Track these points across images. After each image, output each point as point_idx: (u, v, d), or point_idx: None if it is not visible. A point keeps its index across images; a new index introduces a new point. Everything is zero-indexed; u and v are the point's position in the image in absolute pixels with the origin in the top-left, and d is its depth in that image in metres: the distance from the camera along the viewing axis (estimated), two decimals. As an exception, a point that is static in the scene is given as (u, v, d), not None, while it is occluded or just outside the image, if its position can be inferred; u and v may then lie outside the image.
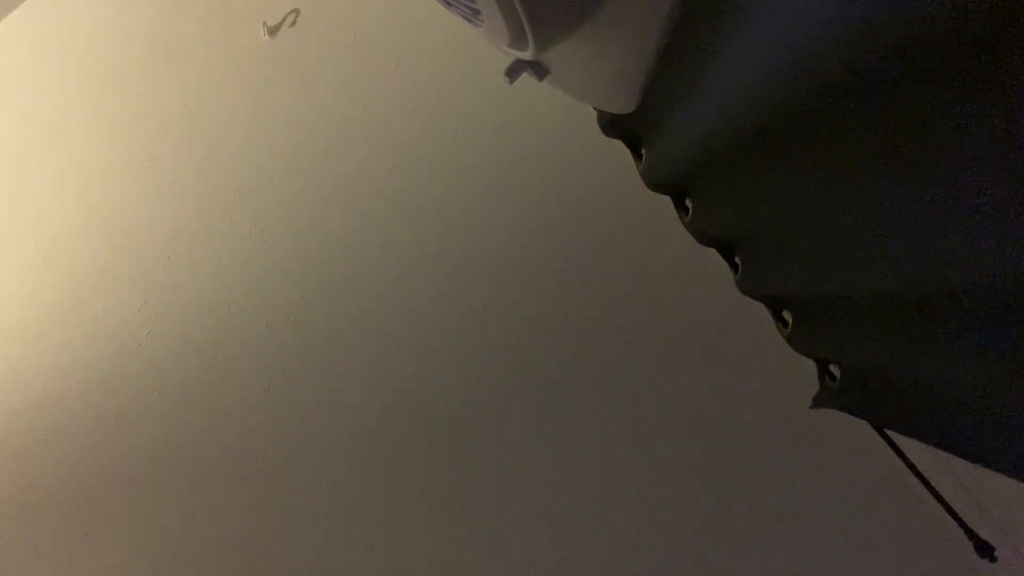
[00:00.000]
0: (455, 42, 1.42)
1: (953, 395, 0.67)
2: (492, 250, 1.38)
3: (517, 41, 0.66)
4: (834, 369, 0.98)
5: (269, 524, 1.32)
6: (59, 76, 1.52)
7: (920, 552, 1.17)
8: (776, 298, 1.03)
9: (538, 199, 1.39)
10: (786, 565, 1.22)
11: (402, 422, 1.34)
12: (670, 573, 1.25)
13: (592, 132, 1.18)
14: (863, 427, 0.98)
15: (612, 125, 1.11)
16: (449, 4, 0.73)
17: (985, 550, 0.97)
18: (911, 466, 1.03)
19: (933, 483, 1.03)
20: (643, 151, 1.10)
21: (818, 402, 1.02)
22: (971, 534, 0.98)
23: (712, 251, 1.10)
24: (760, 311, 1.09)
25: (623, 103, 0.90)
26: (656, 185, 1.10)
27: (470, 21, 0.72)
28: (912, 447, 1.03)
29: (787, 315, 1.02)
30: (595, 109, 1.10)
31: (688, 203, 1.08)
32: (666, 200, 1.13)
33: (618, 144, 1.16)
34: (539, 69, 0.78)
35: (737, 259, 1.05)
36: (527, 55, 0.70)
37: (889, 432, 1.01)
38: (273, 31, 1.48)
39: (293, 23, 1.49)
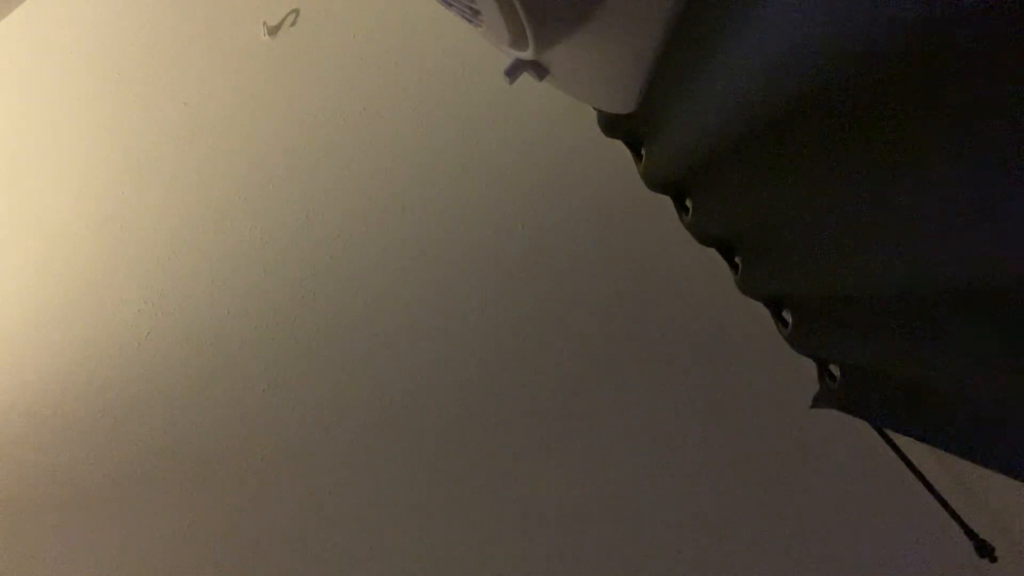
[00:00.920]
0: (455, 42, 1.42)
1: (953, 395, 0.67)
2: (492, 250, 1.38)
3: (517, 41, 0.66)
4: (834, 369, 0.98)
5: (269, 524, 1.33)
6: (59, 76, 1.52)
7: (920, 552, 1.17)
8: (776, 298, 1.03)
9: (538, 199, 1.39)
10: (786, 565, 1.22)
11: (402, 422, 1.35)
12: (670, 573, 1.25)
13: (592, 132, 1.18)
14: (863, 427, 0.98)
15: (612, 125, 1.11)
16: (449, 4, 0.73)
17: (985, 550, 0.97)
18: (911, 466, 1.03)
19: (933, 483, 1.03)
20: (643, 151, 1.10)
21: (818, 402, 1.03)
22: (971, 534, 0.99)
23: (712, 251, 1.10)
24: (760, 311, 1.09)
25: (623, 103, 0.90)
26: (656, 185, 1.10)
27: (470, 21, 0.72)
28: (912, 447, 1.04)
29: (787, 315, 1.02)
30: (595, 109, 1.10)
31: (688, 203, 1.08)
32: (666, 200, 1.13)
33: (618, 144, 1.16)
34: (539, 69, 0.78)
35: (737, 259, 1.05)
36: (527, 55, 0.70)
37: (889, 432, 1.01)
38: (273, 31, 1.48)
39: (293, 23, 1.49)
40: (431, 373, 1.35)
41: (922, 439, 0.79)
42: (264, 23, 1.47)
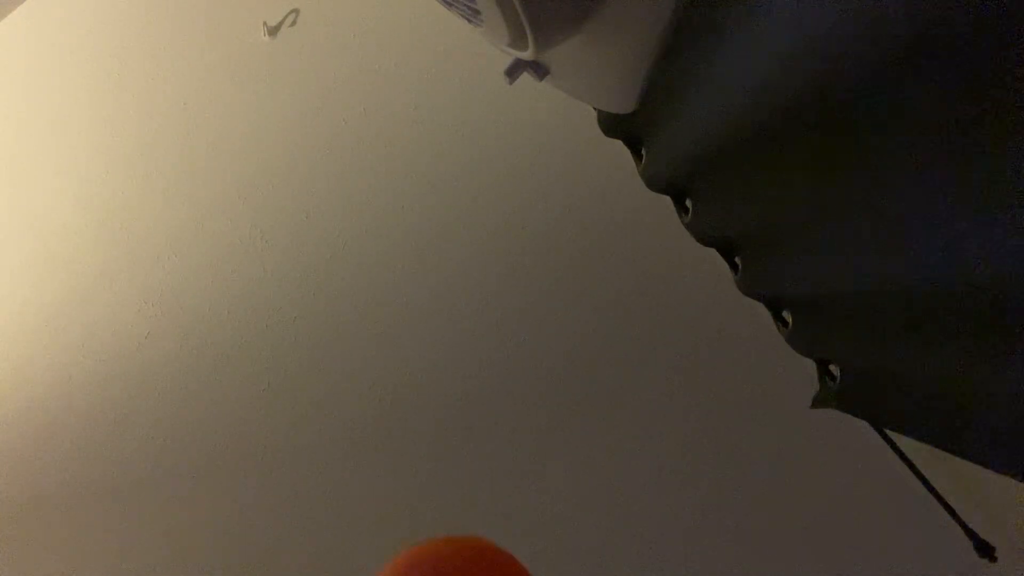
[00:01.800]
0: (455, 42, 1.42)
1: (952, 395, 0.67)
2: (492, 250, 1.38)
3: (517, 41, 0.66)
4: (834, 369, 0.98)
5: (269, 524, 1.32)
6: (59, 76, 1.52)
7: (920, 552, 1.17)
8: (776, 298, 1.03)
9: (538, 199, 1.39)
10: (786, 565, 1.22)
11: (402, 422, 1.34)
12: (669, 572, 1.25)
13: (592, 132, 1.17)
14: (863, 427, 0.98)
15: (612, 125, 1.11)
16: (449, 4, 0.73)
17: (985, 550, 0.97)
18: (911, 466, 1.03)
19: (933, 483, 1.03)
20: (643, 151, 1.10)
21: (818, 402, 1.02)
22: (971, 534, 0.98)
23: (712, 251, 1.09)
24: (760, 311, 1.09)
25: (623, 103, 0.90)
26: (656, 185, 1.10)
27: (470, 21, 0.72)
28: (912, 447, 1.03)
29: (787, 315, 1.02)
30: (595, 109, 1.10)
31: (688, 203, 1.07)
32: (666, 200, 1.12)
33: (618, 144, 1.15)
34: (539, 69, 0.78)
35: (737, 259, 1.05)
36: (527, 55, 0.70)
37: (889, 432, 1.01)
38: (273, 31, 1.48)
39: (293, 23, 1.49)
40: (430, 373, 1.35)
41: (922, 439, 0.79)
42: (264, 23, 1.47)
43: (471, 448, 1.32)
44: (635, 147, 1.12)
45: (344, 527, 1.31)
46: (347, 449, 1.34)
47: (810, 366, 1.04)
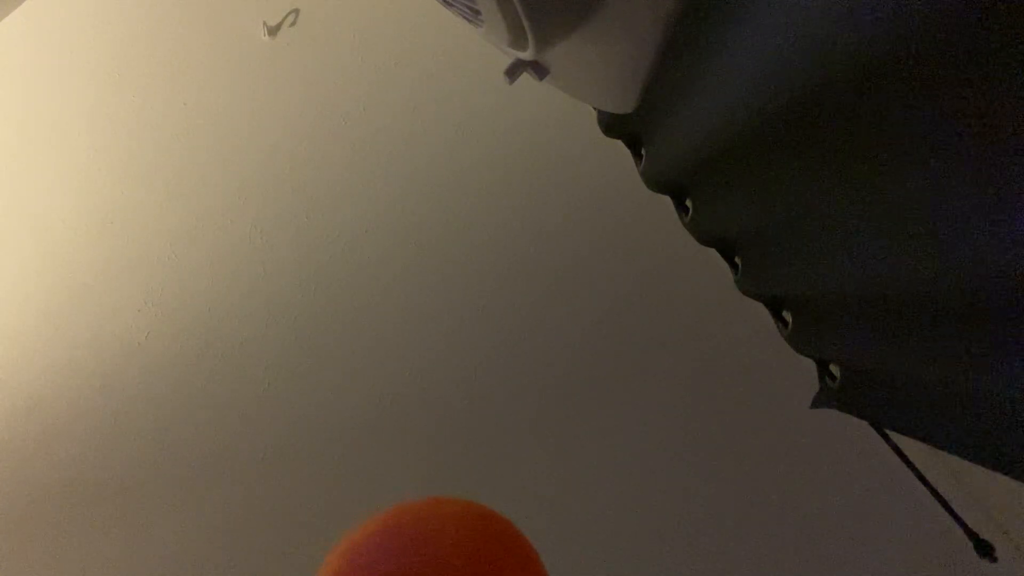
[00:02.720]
0: (455, 42, 1.42)
1: (953, 395, 0.67)
2: (492, 250, 1.38)
3: (517, 41, 0.66)
4: (834, 369, 0.98)
5: (269, 524, 1.32)
6: (59, 76, 1.52)
7: (920, 552, 1.17)
8: (776, 298, 1.03)
9: (538, 199, 1.39)
10: (786, 565, 1.22)
11: (402, 422, 1.34)
12: (669, 573, 1.25)
13: (592, 132, 1.17)
14: (863, 427, 0.98)
15: (612, 125, 1.11)
16: (449, 4, 0.73)
17: (985, 550, 0.97)
18: (911, 466, 1.03)
19: (933, 483, 1.03)
20: (643, 151, 1.10)
21: (818, 402, 1.02)
22: (971, 534, 0.98)
23: (712, 251, 1.10)
24: (760, 311, 1.09)
25: (623, 103, 0.90)
26: (656, 185, 1.10)
27: (470, 21, 0.72)
28: (912, 447, 1.03)
29: (787, 315, 1.02)
30: (595, 109, 1.10)
31: (688, 203, 1.07)
32: (666, 200, 1.12)
33: (618, 144, 1.16)
34: (539, 69, 0.78)
35: (737, 259, 1.05)
36: (527, 55, 0.70)
37: (889, 432, 1.01)
38: (273, 31, 1.48)
39: (293, 23, 1.49)
40: (430, 374, 1.35)
41: (922, 439, 0.79)
42: (264, 23, 1.47)
43: (471, 448, 1.32)
44: (635, 147, 1.12)
45: (345, 527, 1.31)
46: (347, 449, 1.34)
47: (810, 366, 1.04)
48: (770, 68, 0.56)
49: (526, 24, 0.62)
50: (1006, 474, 0.63)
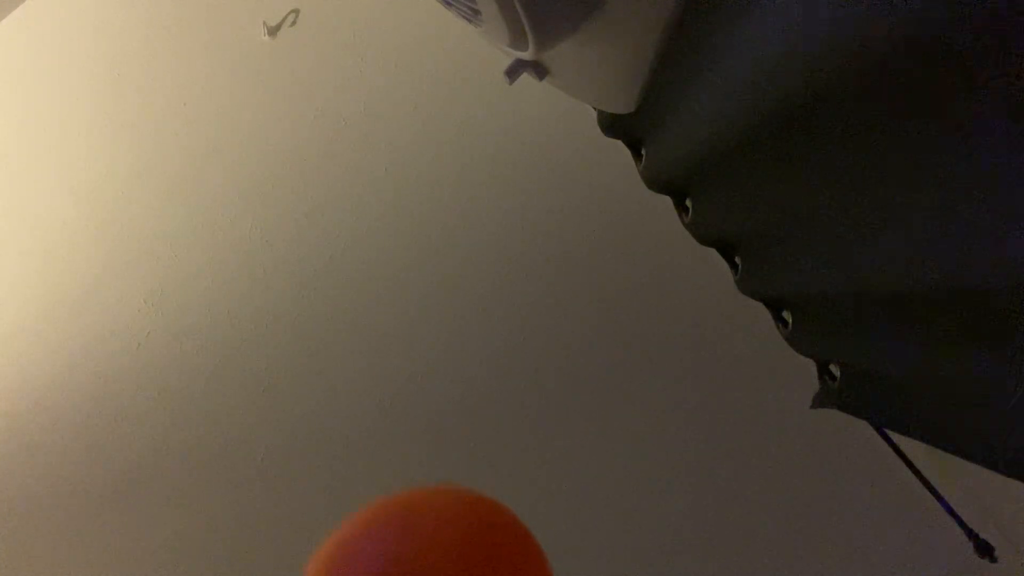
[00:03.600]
0: (455, 42, 1.42)
1: (953, 395, 0.67)
2: (492, 250, 1.38)
3: (517, 41, 0.66)
4: (834, 369, 0.98)
5: (269, 524, 1.32)
6: (59, 76, 1.52)
7: (920, 552, 1.17)
8: (776, 298, 1.03)
9: (538, 199, 1.39)
10: (786, 565, 1.22)
11: (402, 422, 1.34)
12: (667, 572, 1.25)
13: (592, 132, 1.17)
14: (863, 427, 0.98)
15: (612, 125, 1.11)
16: (449, 4, 0.73)
17: (985, 550, 0.97)
18: (911, 466, 1.03)
19: (933, 483, 1.03)
20: (643, 151, 1.10)
21: (818, 402, 1.02)
22: (971, 534, 0.98)
23: (712, 251, 1.10)
24: (760, 311, 1.09)
25: (623, 103, 0.90)
26: (656, 185, 1.10)
27: (470, 21, 0.72)
28: (912, 447, 1.03)
29: (787, 315, 1.02)
30: (595, 109, 1.10)
31: (688, 203, 1.07)
32: (666, 200, 1.13)
33: (618, 144, 1.16)
34: (539, 69, 0.78)
35: (737, 259, 1.05)
36: (527, 55, 0.70)
37: (889, 432, 1.01)
38: (273, 31, 1.48)
39: (293, 23, 1.49)
40: (430, 374, 1.35)
41: (922, 439, 0.79)
42: (264, 23, 1.47)
43: (472, 449, 1.32)
44: (635, 147, 1.12)
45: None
46: (347, 449, 1.34)
47: (810, 366, 1.04)
48: (770, 68, 0.56)
49: (526, 24, 0.62)
50: (1006, 474, 0.63)
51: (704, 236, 1.07)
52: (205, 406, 1.37)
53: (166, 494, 1.35)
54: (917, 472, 1.04)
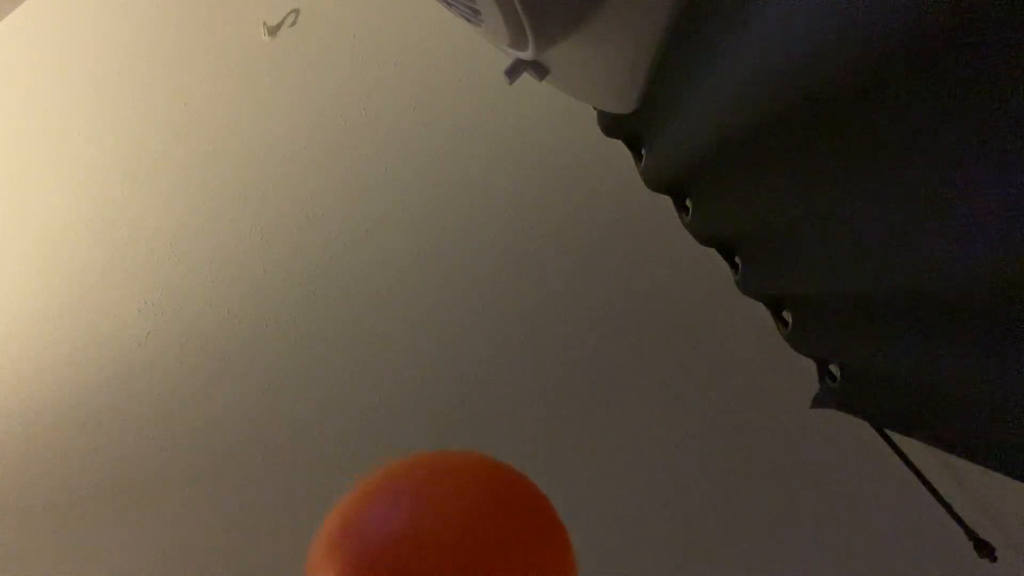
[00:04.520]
0: (455, 42, 1.42)
1: (953, 395, 0.67)
2: (492, 251, 1.38)
3: (517, 41, 0.66)
4: (834, 369, 0.98)
5: (269, 524, 1.32)
6: (59, 76, 1.52)
7: (920, 552, 1.17)
8: (776, 298, 1.03)
9: (538, 199, 1.39)
10: (786, 565, 1.22)
11: (402, 423, 1.34)
12: (667, 571, 1.25)
13: (592, 132, 1.17)
14: (863, 427, 0.98)
15: (612, 125, 1.11)
16: (449, 4, 0.73)
17: (985, 550, 0.97)
18: (911, 466, 1.03)
19: (933, 483, 1.03)
20: (643, 151, 1.10)
21: (818, 402, 1.02)
22: (971, 534, 0.98)
23: (712, 251, 1.10)
24: (760, 311, 1.09)
25: (623, 103, 0.90)
26: (656, 185, 1.10)
27: (470, 21, 0.72)
28: (912, 447, 1.03)
29: (787, 315, 1.02)
30: (595, 109, 1.10)
31: (688, 203, 1.07)
32: (666, 200, 1.13)
33: (618, 144, 1.16)
34: (539, 69, 0.78)
35: (737, 259, 1.05)
36: (527, 55, 0.70)
37: (889, 432, 1.01)
38: (273, 31, 1.48)
39: (293, 23, 1.49)
40: (430, 375, 1.35)
41: (922, 439, 0.79)
42: (264, 23, 1.47)
43: (472, 448, 1.32)
44: (635, 147, 1.12)
45: (344, 527, 1.31)
46: (348, 450, 1.34)
47: (810, 366, 1.04)
48: (770, 68, 0.56)
49: (526, 24, 0.62)
50: (1006, 474, 0.63)
51: (704, 236, 1.07)
52: (205, 406, 1.37)
53: (166, 493, 1.35)
54: (917, 472, 1.04)
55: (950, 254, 0.49)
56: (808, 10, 0.47)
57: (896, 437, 1.02)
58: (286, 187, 1.44)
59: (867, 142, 0.51)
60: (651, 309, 1.33)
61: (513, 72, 0.76)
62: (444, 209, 1.40)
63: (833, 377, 0.98)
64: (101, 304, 1.42)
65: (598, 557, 1.25)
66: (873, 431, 1.00)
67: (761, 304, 1.07)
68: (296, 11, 1.49)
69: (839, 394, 0.95)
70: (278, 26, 1.48)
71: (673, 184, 1.07)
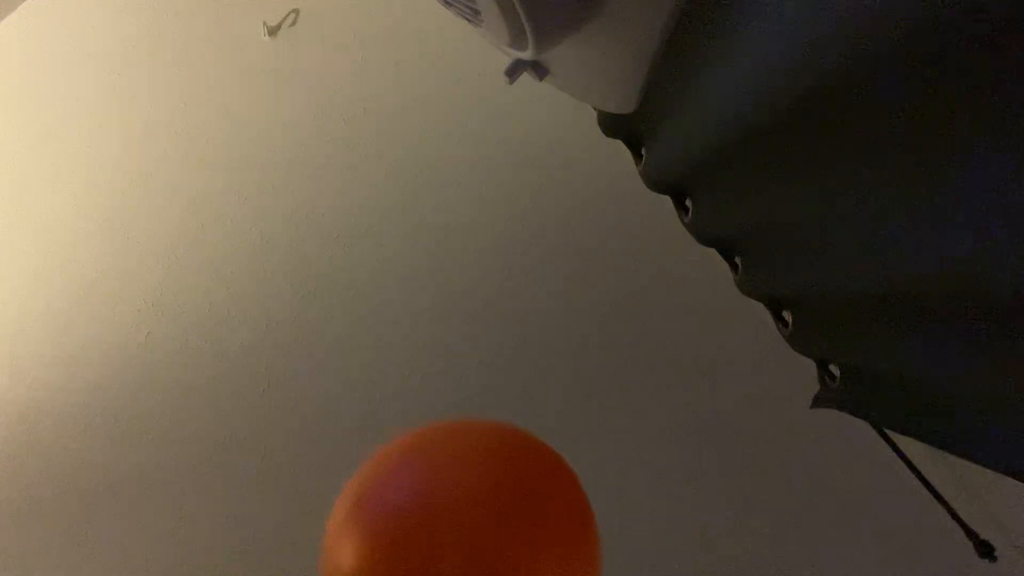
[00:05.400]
0: (455, 42, 1.42)
1: (953, 395, 0.67)
2: (491, 251, 1.38)
3: (517, 41, 0.66)
4: (834, 369, 0.98)
5: (269, 525, 1.32)
6: (59, 76, 1.52)
7: (920, 552, 1.17)
8: (776, 298, 1.04)
9: (538, 199, 1.39)
10: (785, 565, 1.22)
11: (402, 424, 1.34)
12: (666, 571, 1.25)
13: (592, 132, 1.17)
14: (863, 427, 0.98)
15: (612, 125, 1.11)
16: (449, 4, 0.73)
17: (985, 550, 0.97)
18: (911, 466, 1.03)
19: (933, 483, 1.03)
20: (643, 151, 1.10)
21: (818, 402, 1.03)
22: (971, 534, 0.98)
23: (712, 251, 1.10)
24: (760, 311, 1.09)
25: (623, 103, 0.90)
26: (656, 185, 1.10)
27: (470, 21, 0.72)
28: (912, 447, 1.03)
29: (787, 315, 1.02)
30: (595, 109, 1.10)
31: (688, 203, 1.08)
32: (666, 200, 1.13)
33: (618, 144, 1.16)
34: (539, 69, 0.78)
35: (737, 259, 1.05)
36: (527, 55, 0.70)
37: (889, 432, 1.01)
38: (273, 31, 1.48)
39: (293, 23, 1.49)
40: (430, 375, 1.35)
41: (922, 439, 0.79)
42: (264, 23, 1.47)
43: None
44: (635, 147, 1.12)
45: (344, 527, 1.31)
46: (348, 450, 1.34)
47: (810, 366, 1.04)
48: (770, 69, 0.56)
49: (526, 24, 0.62)
50: (1007, 474, 0.63)
51: (704, 236, 1.07)
52: (205, 406, 1.37)
53: (165, 493, 1.35)
54: (917, 472, 1.04)
55: (951, 254, 0.49)
56: (810, 10, 0.47)
57: (896, 437, 1.02)
58: (286, 187, 1.44)
59: (867, 141, 0.51)
60: (650, 309, 1.33)
61: (513, 72, 0.76)
62: (443, 209, 1.40)
63: (833, 377, 0.98)
64: (101, 304, 1.42)
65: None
66: (873, 431, 1.01)
67: (761, 304, 1.07)
68: (296, 11, 1.49)
69: (839, 394, 0.95)
70: (278, 26, 1.48)
71: (673, 184, 1.07)
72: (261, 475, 1.34)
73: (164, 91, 1.49)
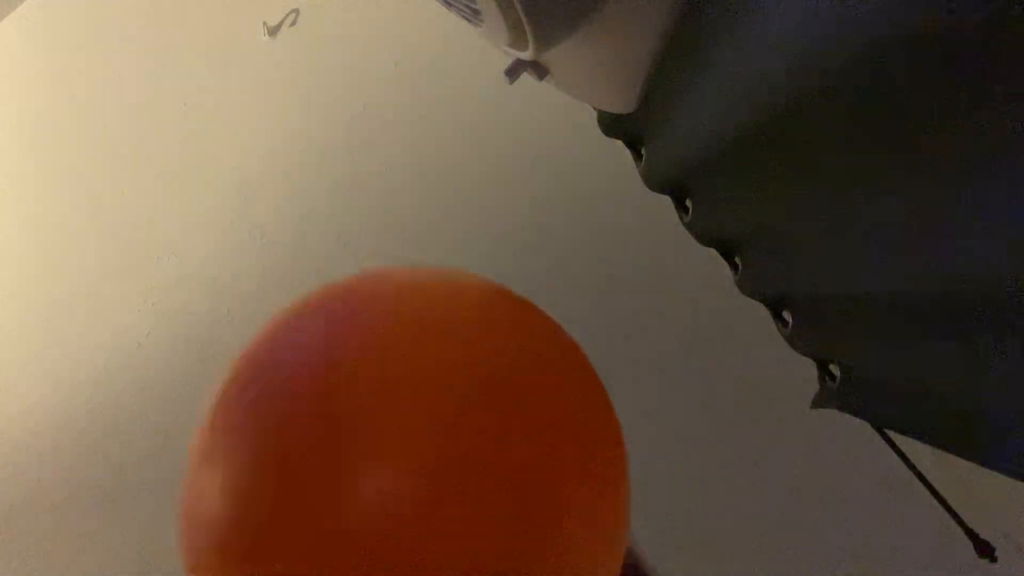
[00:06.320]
0: (455, 42, 1.42)
1: (953, 395, 0.67)
2: (491, 251, 1.38)
3: (517, 41, 0.66)
4: (834, 369, 0.98)
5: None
6: (59, 76, 1.52)
7: (920, 552, 1.17)
8: (776, 298, 1.03)
9: (538, 199, 1.39)
10: (785, 565, 1.22)
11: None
12: (667, 573, 1.25)
13: (592, 132, 1.17)
14: (863, 427, 0.98)
15: (612, 125, 1.11)
16: (449, 4, 0.73)
17: (985, 550, 0.97)
18: (911, 466, 1.03)
19: (933, 483, 1.03)
20: (643, 151, 1.10)
21: (818, 402, 1.02)
22: (971, 534, 0.98)
23: (712, 251, 1.09)
24: (760, 311, 1.09)
25: (623, 103, 0.90)
26: (656, 185, 1.10)
27: (470, 21, 0.72)
28: (912, 447, 1.03)
29: (787, 315, 1.02)
30: (595, 109, 1.10)
31: (688, 203, 1.07)
32: (666, 200, 1.12)
33: (618, 144, 1.16)
34: (539, 69, 0.78)
35: (737, 259, 1.05)
36: (527, 55, 0.70)
37: (889, 432, 1.01)
38: (273, 31, 1.48)
39: (293, 23, 1.49)
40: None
41: (923, 439, 0.79)
42: (264, 23, 1.47)
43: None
44: (635, 147, 1.12)
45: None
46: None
47: (810, 366, 1.04)
48: (771, 69, 0.56)
49: (526, 24, 0.62)
50: (1006, 474, 0.63)
51: (704, 236, 1.07)
52: (204, 406, 1.37)
53: (165, 493, 1.35)
54: (917, 472, 1.03)
55: (953, 254, 0.49)
56: (811, 10, 0.47)
57: (896, 437, 1.02)
58: (286, 186, 1.44)
59: (869, 141, 0.51)
60: (650, 309, 1.33)
61: (513, 72, 0.76)
62: (443, 208, 1.40)
63: (833, 377, 0.98)
64: (101, 304, 1.42)
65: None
66: (873, 431, 1.00)
67: (761, 304, 1.07)
68: (296, 11, 1.49)
69: (839, 394, 0.95)
70: (278, 26, 1.48)
71: (673, 184, 1.07)
72: (261, 475, 1.34)
73: (164, 90, 1.49)
